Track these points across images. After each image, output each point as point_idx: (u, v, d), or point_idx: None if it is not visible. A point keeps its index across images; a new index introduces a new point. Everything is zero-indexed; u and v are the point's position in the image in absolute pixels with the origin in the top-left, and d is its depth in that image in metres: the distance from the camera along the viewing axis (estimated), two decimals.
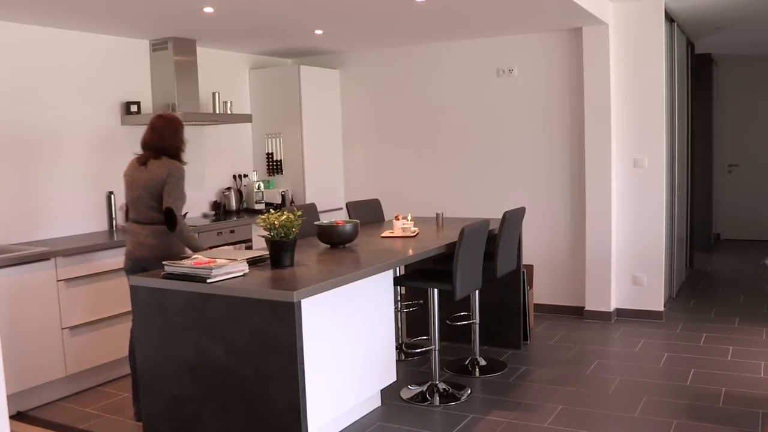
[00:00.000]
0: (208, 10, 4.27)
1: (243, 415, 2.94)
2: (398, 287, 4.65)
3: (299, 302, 2.77)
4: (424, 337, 4.95)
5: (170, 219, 3.51)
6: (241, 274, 3.09)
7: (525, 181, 5.75)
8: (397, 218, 4.29)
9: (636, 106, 5.27)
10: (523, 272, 4.85)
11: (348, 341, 3.28)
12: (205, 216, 5.65)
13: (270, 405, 2.86)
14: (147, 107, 5.21)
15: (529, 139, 5.70)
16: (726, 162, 9.19)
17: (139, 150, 3.74)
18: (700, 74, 7.89)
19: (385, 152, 6.39)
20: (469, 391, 3.99)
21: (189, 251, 3.66)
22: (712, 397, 3.75)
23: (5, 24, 4.28)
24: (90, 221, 4.81)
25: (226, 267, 3.02)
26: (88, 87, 4.80)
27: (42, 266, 3.92)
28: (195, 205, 5.58)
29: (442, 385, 3.99)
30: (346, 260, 3.44)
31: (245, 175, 6.15)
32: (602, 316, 5.42)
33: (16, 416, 3.80)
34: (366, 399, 3.66)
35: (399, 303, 4.70)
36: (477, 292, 4.44)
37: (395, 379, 3.73)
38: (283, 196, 5.99)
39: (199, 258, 3.16)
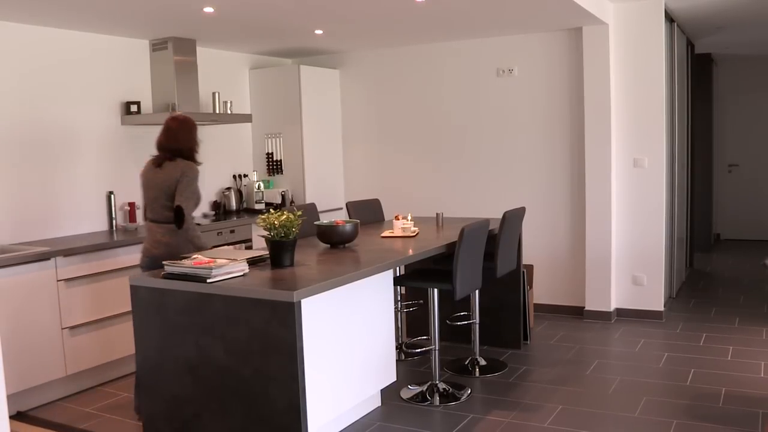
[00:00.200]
0: (208, 10, 4.27)
1: (243, 415, 2.94)
2: (398, 287, 4.65)
3: (299, 302, 2.77)
4: (424, 337, 4.95)
5: (179, 217, 3.59)
6: (241, 274, 3.09)
7: (525, 181, 5.75)
8: (397, 218, 4.29)
9: (636, 106, 5.27)
10: (523, 272, 4.85)
11: (348, 341, 3.28)
12: (205, 216, 5.64)
13: (270, 405, 2.86)
14: (147, 107, 5.20)
15: (529, 138, 5.70)
16: (726, 162, 9.18)
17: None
18: (700, 74, 7.89)
19: (385, 152, 6.39)
20: (469, 391, 3.99)
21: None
22: (712, 397, 3.75)
23: (5, 24, 4.28)
24: (90, 221, 4.81)
25: (226, 267, 3.03)
26: (88, 87, 4.80)
27: (42, 266, 3.92)
28: None
29: (442, 385, 3.99)
30: (346, 260, 3.44)
31: (245, 175, 6.15)
32: (602, 316, 5.42)
33: (16, 416, 3.81)
34: (366, 399, 3.66)
35: (399, 303, 4.70)
36: (477, 292, 4.44)
37: (395, 379, 3.74)
38: (283, 196, 5.99)
39: (199, 258, 3.17)
